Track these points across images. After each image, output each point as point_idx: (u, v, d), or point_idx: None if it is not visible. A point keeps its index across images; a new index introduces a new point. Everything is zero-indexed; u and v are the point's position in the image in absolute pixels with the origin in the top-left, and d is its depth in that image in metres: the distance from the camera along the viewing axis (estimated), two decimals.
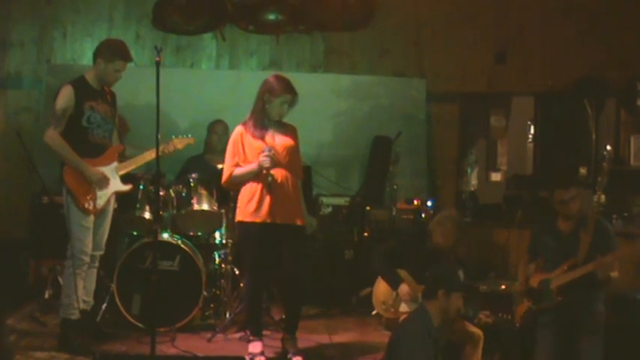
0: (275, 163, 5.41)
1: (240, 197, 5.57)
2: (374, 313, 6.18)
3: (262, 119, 5.52)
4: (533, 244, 5.64)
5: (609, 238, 5.34)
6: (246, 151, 5.50)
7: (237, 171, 5.51)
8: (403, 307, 5.87)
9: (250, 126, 5.53)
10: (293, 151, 5.58)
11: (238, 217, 5.58)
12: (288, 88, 5.49)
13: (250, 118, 5.55)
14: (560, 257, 5.33)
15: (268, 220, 5.43)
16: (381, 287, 6.07)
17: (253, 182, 5.48)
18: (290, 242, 5.52)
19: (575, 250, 5.29)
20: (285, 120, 5.63)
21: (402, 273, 5.92)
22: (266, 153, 5.37)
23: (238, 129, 5.57)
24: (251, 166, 5.45)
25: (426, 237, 5.96)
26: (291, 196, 5.51)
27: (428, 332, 4.60)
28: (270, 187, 5.41)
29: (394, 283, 5.85)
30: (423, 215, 7.42)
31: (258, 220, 5.45)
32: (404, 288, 5.78)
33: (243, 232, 5.60)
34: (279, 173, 5.45)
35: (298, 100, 5.54)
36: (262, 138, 5.49)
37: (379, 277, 6.06)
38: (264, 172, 5.40)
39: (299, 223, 5.56)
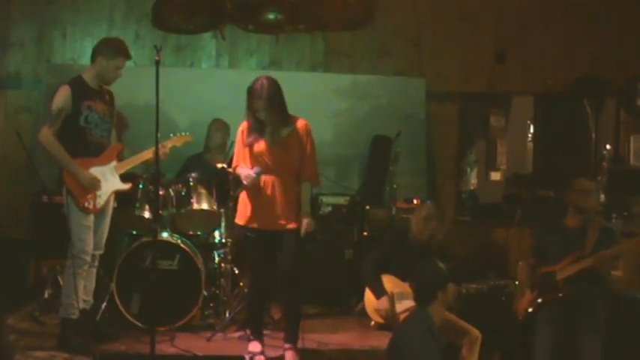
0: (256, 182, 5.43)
1: (239, 199, 5.63)
2: (372, 324, 6.24)
3: (256, 122, 5.48)
4: (537, 244, 5.63)
5: (615, 240, 5.36)
6: (248, 150, 5.52)
7: (237, 170, 5.59)
8: (398, 308, 5.92)
9: (247, 126, 5.54)
10: (290, 156, 5.49)
11: (236, 219, 5.66)
12: (253, 95, 5.41)
13: (247, 119, 5.55)
14: (565, 251, 5.34)
15: (256, 227, 5.49)
16: (371, 297, 6.15)
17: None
18: (284, 247, 5.48)
19: (581, 244, 5.31)
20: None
21: (389, 279, 5.98)
22: (252, 177, 5.40)
23: (243, 126, 5.57)
24: (240, 174, 5.51)
25: (406, 233, 6.06)
26: (279, 203, 5.46)
27: (430, 331, 4.60)
28: (232, 197, 5.57)
29: (378, 293, 5.94)
30: None
31: (249, 224, 5.52)
32: (383, 302, 5.87)
33: (239, 233, 5.73)
34: (269, 180, 5.45)
35: (268, 104, 5.39)
36: (256, 142, 5.46)
37: (366, 287, 6.15)
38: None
39: (290, 227, 5.51)
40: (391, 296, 5.94)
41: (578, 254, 5.29)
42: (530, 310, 5.47)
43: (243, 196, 5.57)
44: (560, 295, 5.31)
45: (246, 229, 5.54)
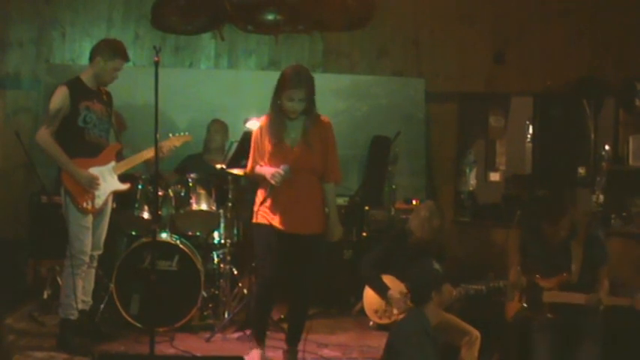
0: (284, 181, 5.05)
1: (256, 200, 5.27)
2: (371, 324, 6.24)
3: (279, 117, 5.13)
4: (522, 248, 5.59)
5: (600, 249, 5.28)
6: (264, 148, 5.18)
7: (257, 170, 5.23)
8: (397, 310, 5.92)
9: (268, 122, 5.19)
10: (314, 155, 5.16)
11: (252, 219, 5.28)
12: (292, 83, 5.04)
13: (269, 114, 5.21)
14: (550, 268, 5.24)
15: (278, 226, 5.12)
16: (370, 297, 6.16)
17: (264, 186, 5.18)
18: (303, 253, 5.18)
19: (566, 263, 5.21)
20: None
21: (387, 279, 5.98)
22: (282, 173, 5.01)
23: (262, 121, 5.25)
24: (265, 173, 5.13)
25: (407, 234, 6.05)
26: (305, 205, 5.15)
27: (425, 331, 4.60)
28: (271, 192, 5.12)
29: (382, 291, 5.92)
30: None
31: (268, 222, 5.14)
32: (393, 294, 5.84)
33: (254, 233, 5.30)
34: (295, 180, 5.08)
35: (313, 93, 5.09)
36: (278, 140, 5.12)
37: (366, 287, 6.15)
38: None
39: (314, 232, 5.20)
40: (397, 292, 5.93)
41: (565, 278, 5.21)
42: (513, 320, 5.44)
43: (259, 196, 5.23)
44: (544, 316, 5.26)
45: (265, 228, 5.15)
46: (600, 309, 5.11)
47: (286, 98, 5.07)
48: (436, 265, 4.74)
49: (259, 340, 5.36)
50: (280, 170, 5.03)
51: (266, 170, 5.12)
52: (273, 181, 5.05)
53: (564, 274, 5.19)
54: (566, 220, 5.23)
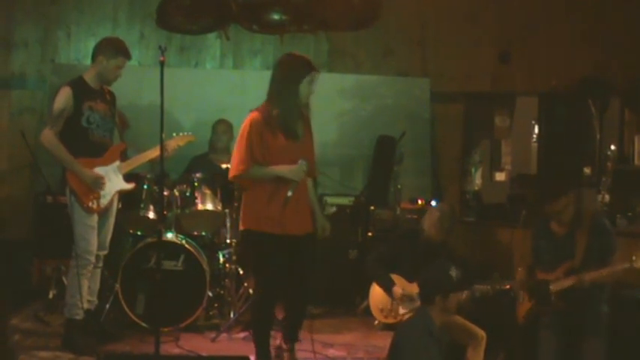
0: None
1: (247, 202, 5.04)
2: (376, 323, 6.23)
3: (295, 107, 4.88)
4: (532, 246, 5.59)
5: (607, 237, 5.26)
6: (269, 145, 4.88)
7: (257, 171, 4.89)
8: (402, 310, 5.92)
9: (275, 116, 4.88)
10: (309, 151, 5.06)
11: (245, 225, 5.04)
12: (312, 66, 4.89)
13: (276, 107, 4.89)
14: (556, 259, 5.27)
15: (278, 232, 4.92)
16: (376, 296, 6.17)
17: (264, 187, 4.92)
18: (301, 253, 5.04)
19: (571, 252, 5.23)
20: None
21: (395, 278, 5.98)
22: (304, 168, 4.82)
23: (255, 117, 4.92)
24: (277, 171, 4.85)
25: (417, 234, 6.05)
26: (302, 204, 5.02)
27: (430, 332, 4.59)
28: (287, 201, 4.83)
29: (387, 285, 5.91)
30: None
31: (266, 230, 4.93)
32: (397, 290, 5.85)
33: (251, 242, 5.08)
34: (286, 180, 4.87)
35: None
36: (293, 133, 4.89)
37: (373, 284, 6.15)
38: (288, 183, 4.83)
39: (308, 231, 5.08)
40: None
41: (570, 266, 5.21)
42: (525, 320, 5.43)
43: (254, 199, 4.99)
44: (554, 308, 5.26)
45: (262, 235, 4.95)
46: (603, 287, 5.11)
47: (309, 82, 4.87)
48: (453, 272, 4.66)
49: (266, 351, 5.22)
50: (303, 166, 4.82)
51: (281, 168, 4.84)
52: (296, 178, 4.82)
53: (568, 263, 5.19)
54: (567, 200, 5.22)
